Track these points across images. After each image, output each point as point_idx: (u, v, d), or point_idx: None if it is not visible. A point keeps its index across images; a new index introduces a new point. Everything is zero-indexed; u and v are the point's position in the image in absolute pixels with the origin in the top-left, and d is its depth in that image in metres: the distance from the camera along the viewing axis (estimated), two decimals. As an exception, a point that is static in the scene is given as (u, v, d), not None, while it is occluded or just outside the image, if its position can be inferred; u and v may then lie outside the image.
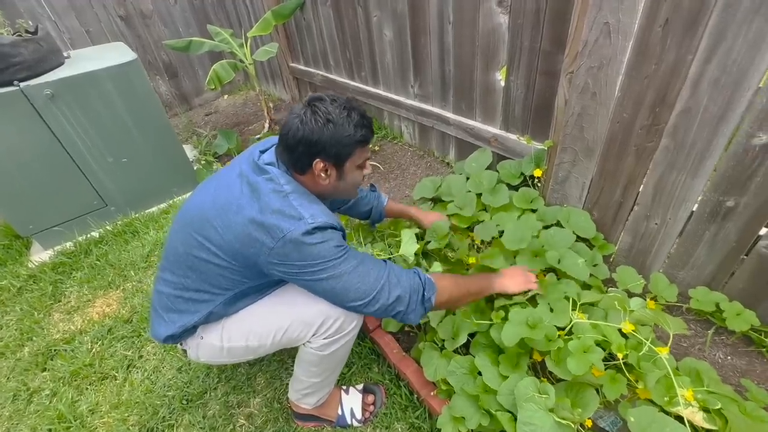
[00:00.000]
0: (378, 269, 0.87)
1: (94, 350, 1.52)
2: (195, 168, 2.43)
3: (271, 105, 2.80)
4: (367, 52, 2.11)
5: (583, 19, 1.03)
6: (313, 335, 0.95)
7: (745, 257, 1.01)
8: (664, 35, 0.91)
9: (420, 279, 0.91)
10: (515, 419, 0.87)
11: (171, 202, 2.28)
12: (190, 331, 0.98)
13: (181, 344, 1.03)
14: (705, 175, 0.98)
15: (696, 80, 0.90)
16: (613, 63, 1.02)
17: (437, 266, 1.16)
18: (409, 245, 1.23)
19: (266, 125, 2.75)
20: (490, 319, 1.06)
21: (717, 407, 0.83)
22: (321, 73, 2.60)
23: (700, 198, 1.02)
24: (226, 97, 3.59)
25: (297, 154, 0.84)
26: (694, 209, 1.04)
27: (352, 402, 1.14)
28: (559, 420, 0.82)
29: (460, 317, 1.08)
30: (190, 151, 2.72)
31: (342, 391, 1.17)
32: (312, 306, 0.93)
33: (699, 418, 0.81)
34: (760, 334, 1.01)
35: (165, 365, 1.42)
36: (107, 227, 2.11)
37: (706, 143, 0.94)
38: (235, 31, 2.87)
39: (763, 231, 0.95)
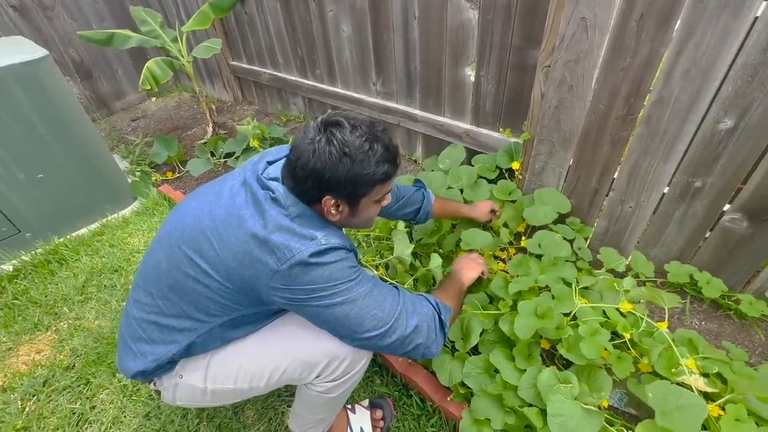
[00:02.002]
0: (392, 293, 0.79)
1: (27, 409, 1.24)
2: (129, 181, 2.13)
3: (213, 107, 2.56)
4: (322, 49, 2.01)
5: (560, 14, 1.06)
6: (317, 377, 0.85)
7: (710, 232, 1.12)
8: (639, 30, 0.97)
9: (432, 303, 0.84)
10: (542, 413, 0.87)
11: (104, 221, 1.97)
12: (166, 367, 0.83)
13: (153, 383, 0.87)
14: (676, 160, 1.07)
15: (668, 72, 0.97)
16: (590, 57, 1.07)
17: (436, 258, 1.12)
18: (403, 245, 1.18)
19: (209, 129, 2.50)
20: (498, 309, 1.06)
21: (715, 371, 0.90)
22: (268, 71, 2.43)
23: (671, 180, 1.11)
24: (154, 99, 3.21)
25: (305, 186, 0.72)
26: (666, 191, 1.13)
27: (360, 421, 1.07)
28: (586, 407, 0.83)
29: (469, 316, 1.06)
30: (119, 162, 2.38)
31: (348, 411, 1.09)
32: (316, 344, 0.82)
33: (701, 384, 0.88)
34: (727, 299, 1.13)
35: (127, 413, 1.21)
36: (24, 258, 1.76)
37: (677, 130, 1.03)
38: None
39: (726, 207, 1.06)
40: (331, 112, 0.73)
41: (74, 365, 1.36)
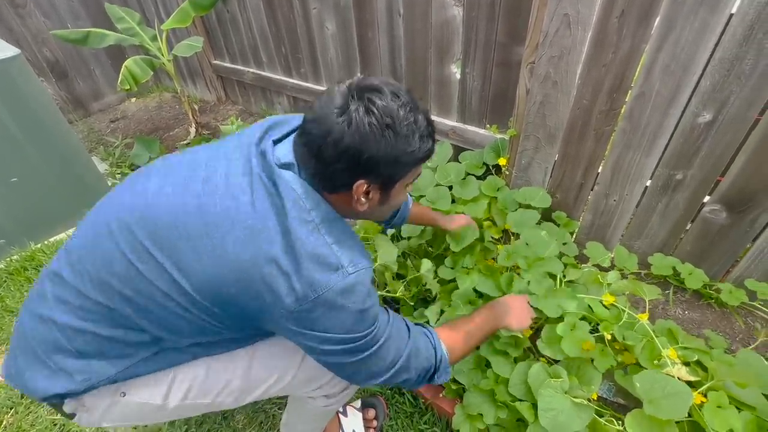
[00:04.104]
0: (402, 338, 0.69)
1: (5, 423, 1.20)
2: (110, 183, 2.07)
3: (195, 107, 2.50)
4: (306, 47, 1.99)
5: (543, 11, 1.07)
6: (317, 388, 0.80)
7: (691, 223, 1.14)
8: (620, 26, 0.98)
9: (436, 356, 0.73)
10: (533, 407, 0.87)
11: (83, 226, 1.91)
12: (99, 385, 0.65)
13: (62, 403, 0.66)
14: (657, 153, 1.09)
15: (649, 67, 0.99)
16: (573, 52, 1.08)
17: (426, 263, 1.12)
18: (387, 250, 1.16)
19: (192, 130, 2.45)
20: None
21: (694, 359, 0.93)
22: (252, 70, 2.40)
23: (653, 174, 1.13)
24: (134, 100, 3.13)
25: (334, 169, 0.57)
26: (648, 184, 1.15)
27: (353, 424, 1.06)
28: (575, 401, 0.84)
29: (454, 313, 1.06)
30: (98, 164, 2.31)
31: (339, 415, 1.08)
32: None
33: (684, 373, 0.90)
34: (708, 288, 1.15)
35: (112, 423, 1.17)
36: (-1, 266, 1.69)
37: (658, 124, 1.04)
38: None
39: (706, 198, 1.09)
40: (361, 76, 0.59)
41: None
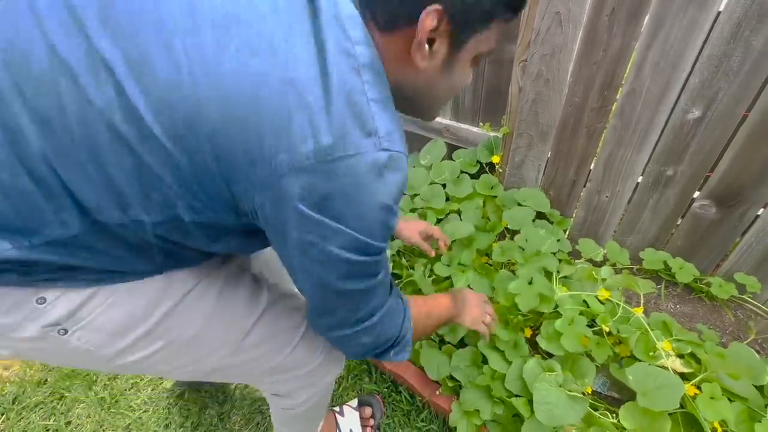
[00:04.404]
0: (387, 285, 0.58)
1: (-4, 429, 1.18)
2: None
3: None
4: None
5: (534, 9, 1.08)
6: (271, 382, 0.73)
7: (682, 219, 1.16)
8: (610, 24, 0.99)
9: (402, 327, 0.62)
10: (529, 402, 0.88)
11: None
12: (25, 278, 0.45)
13: None
14: (648, 150, 1.10)
15: (639, 64, 1.00)
16: (564, 50, 1.09)
17: (419, 269, 1.13)
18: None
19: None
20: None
21: (688, 352, 0.94)
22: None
23: (644, 170, 1.14)
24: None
25: None
26: (639, 180, 1.17)
27: (350, 423, 1.06)
28: (570, 394, 0.85)
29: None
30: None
31: (336, 414, 1.08)
32: (301, 345, 0.69)
33: (678, 365, 0.91)
34: (698, 282, 1.17)
35: (106, 426, 1.16)
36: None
37: (648, 121, 1.06)
38: None
39: (696, 194, 1.10)
40: None
41: (46, 380, 1.29)
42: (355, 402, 1.11)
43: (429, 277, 1.21)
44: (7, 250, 0.42)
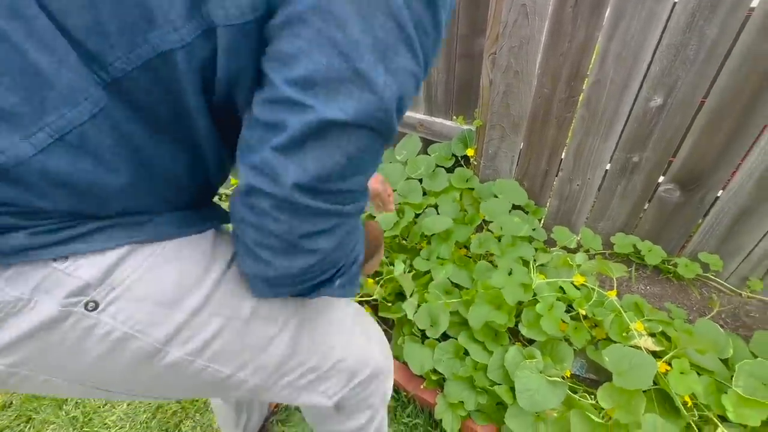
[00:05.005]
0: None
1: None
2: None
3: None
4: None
5: (501, 2, 1.09)
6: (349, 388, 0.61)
7: (648, 203, 1.21)
8: (574, 15, 1.01)
9: (354, 251, 0.47)
10: (511, 390, 0.90)
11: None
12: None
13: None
14: (615, 138, 1.14)
15: (603, 55, 1.03)
16: (532, 42, 1.10)
17: (399, 265, 1.13)
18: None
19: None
20: (460, 297, 1.08)
21: (659, 331, 0.98)
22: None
23: (611, 157, 1.18)
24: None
25: None
26: (608, 168, 1.20)
27: None
28: (550, 379, 0.87)
29: (433, 303, 1.07)
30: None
31: None
32: (368, 342, 0.61)
33: (650, 344, 0.95)
34: (666, 263, 1.22)
35: (80, 447, 1.11)
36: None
37: (614, 110, 1.09)
38: None
39: (661, 179, 1.15)
40: None
41: (11, 402, 1.22)
42: None
43: (409, 272, 1.21)
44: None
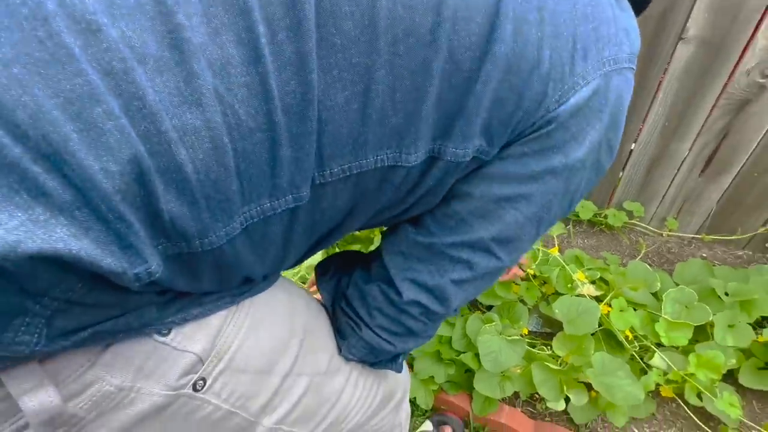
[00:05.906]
0: None
1: None
2: None
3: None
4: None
5: None
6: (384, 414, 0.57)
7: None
8: None
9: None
10: (476, 356, 0.94)
11: None
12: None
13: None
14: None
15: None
16: None
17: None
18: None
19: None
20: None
21: (598, 277, 1.07)
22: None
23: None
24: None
25: None
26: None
27: None
28: (510, 339, 0.92)
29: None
30: None
31: None
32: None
33: (591, 290, 1.04)
34: (598, 216, 1.34)
35: None
36: None
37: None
38: None
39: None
40: None
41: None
42: (429, 425, 0.98)
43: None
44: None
